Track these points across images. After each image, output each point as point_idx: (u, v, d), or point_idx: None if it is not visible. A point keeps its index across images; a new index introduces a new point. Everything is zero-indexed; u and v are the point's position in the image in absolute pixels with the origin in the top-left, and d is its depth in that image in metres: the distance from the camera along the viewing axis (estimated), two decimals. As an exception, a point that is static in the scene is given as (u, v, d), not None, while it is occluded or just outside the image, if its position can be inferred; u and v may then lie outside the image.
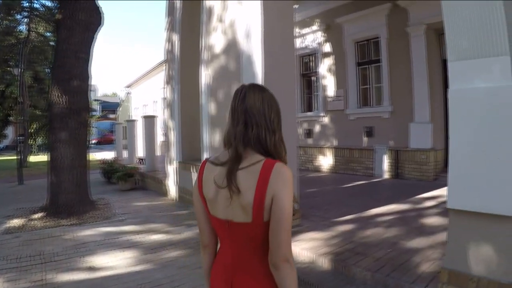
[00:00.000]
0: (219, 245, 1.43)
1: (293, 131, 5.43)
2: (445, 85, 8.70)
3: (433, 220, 5.14)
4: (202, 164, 1.38)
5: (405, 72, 8.82)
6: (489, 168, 2.63)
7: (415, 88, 8.60)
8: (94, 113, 36.98)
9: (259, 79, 4.94)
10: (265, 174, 1.19)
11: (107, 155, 17.50)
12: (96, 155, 19.02)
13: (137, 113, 26.51)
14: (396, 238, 4.45)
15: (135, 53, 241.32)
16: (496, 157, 2.64)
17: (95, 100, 42.42)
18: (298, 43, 11.62)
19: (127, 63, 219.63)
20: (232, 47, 5.84)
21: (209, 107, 6.51)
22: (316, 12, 11.04)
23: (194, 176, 7.09)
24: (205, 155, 6.54)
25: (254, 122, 1.25)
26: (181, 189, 8.11)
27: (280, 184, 1.18)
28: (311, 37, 11.28)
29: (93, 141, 39.87)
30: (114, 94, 68.05)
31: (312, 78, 11.67)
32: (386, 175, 9.23)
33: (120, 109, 38.99)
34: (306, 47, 11.45)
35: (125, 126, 16.76)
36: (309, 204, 6.48)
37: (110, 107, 49.22)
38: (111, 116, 46.28)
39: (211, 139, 6.46)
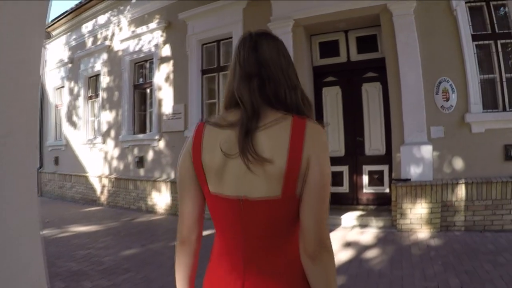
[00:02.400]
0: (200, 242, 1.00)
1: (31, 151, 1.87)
2: (317, 97, 6.25)
3: None
4: (199, 128, 0.96)
5: (262, 80, 6.04)
6: None
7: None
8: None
9: None
10: (298, 132, 0.82)
11: None
12: None
13: None
14: None
15: None
16: None
17: None
18: (132, 46, 8.03)
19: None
20: None
21: None
22: (158, 7, 7.73)
23: None
24: None
25: (272, 77, 0.89)
26: None
27: (318, 145, 0.83)
28: (147, 38, 7.84)
29: None
30: None
31: (147, 90, 8.07)
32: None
33: None
34: (140, 50, 7.91)
35: None
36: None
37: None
38: None
39: None
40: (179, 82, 7.17)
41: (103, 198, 8.51)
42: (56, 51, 10.36)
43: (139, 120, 8.19)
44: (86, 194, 8.96)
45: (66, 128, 9.78)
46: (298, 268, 0.85)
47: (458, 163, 5.01)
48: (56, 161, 9.99)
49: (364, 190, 6.04)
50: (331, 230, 5.19)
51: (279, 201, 0.82)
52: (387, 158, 5.77)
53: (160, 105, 7.46)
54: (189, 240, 0.95)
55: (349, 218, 5.55)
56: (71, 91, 9.68)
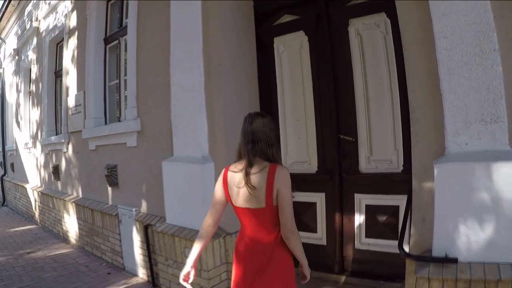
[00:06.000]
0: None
1: None
2: (263, 59, 2.98)
3: None
4: (225, 171, 1.55)
5: (162, 51, 2.94)
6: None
7: (174, 82, 2.76)
8: None
9: None
10: (271, 175, 1.42)
11: None
12: None
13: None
14: None
15: None
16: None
17: None
18: (52, 22, 5.25)
19: None
20: None
21: None
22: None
23: None
24: None
25: (259, 140, 1.46)
26: None
27: (281, 181, 1.42)
28: (61, 9, 4.96)
29: None
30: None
31: (65, 77, 5.18)
32: (142, 274, 3.18)
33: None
34: (56, 26, 5.08)
35: None
36: None
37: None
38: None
39: None
40: (80, 60, 4.22)
41: (37, 214, 5.91)
42: (11, 44, 7.87)
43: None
44: (28, 208, 6.44)
45: (15, 129, 7.31)
46: (279, 243, 1.47)
47: None
48: (12, 167, 7.60)
49: (358, 245, 2.64)
50: None
51: (265, 209, 1.44)
52: (406, 180, 2.28)
53: (67, 95, 4.59)
54: (215, 224, 1.58)
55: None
56: (17, 86, 7.17)
